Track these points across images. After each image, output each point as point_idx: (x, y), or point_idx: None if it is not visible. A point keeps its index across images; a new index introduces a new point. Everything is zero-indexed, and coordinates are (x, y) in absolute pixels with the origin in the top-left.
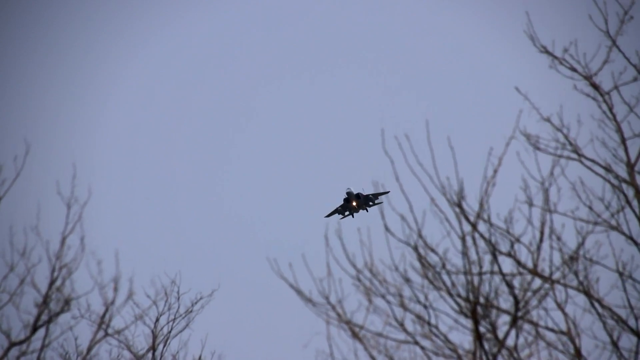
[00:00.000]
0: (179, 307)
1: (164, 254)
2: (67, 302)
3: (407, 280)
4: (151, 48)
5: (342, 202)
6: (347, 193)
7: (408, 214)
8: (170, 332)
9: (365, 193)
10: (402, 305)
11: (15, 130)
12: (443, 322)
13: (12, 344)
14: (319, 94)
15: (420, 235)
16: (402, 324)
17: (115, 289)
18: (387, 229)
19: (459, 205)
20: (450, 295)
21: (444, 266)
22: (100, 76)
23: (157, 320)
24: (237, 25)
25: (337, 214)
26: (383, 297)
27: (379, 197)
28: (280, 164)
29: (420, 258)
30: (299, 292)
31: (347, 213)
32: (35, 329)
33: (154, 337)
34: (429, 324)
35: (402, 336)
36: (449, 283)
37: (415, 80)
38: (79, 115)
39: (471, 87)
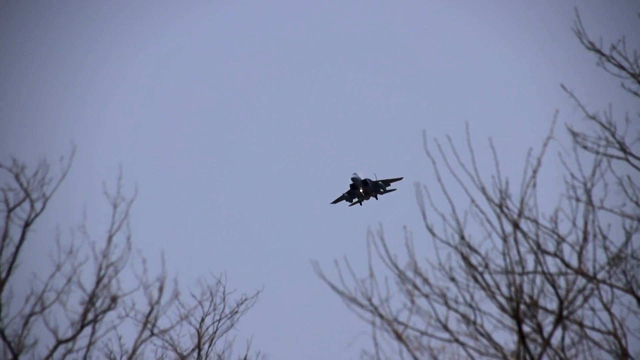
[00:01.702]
0: (224, 307)
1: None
2: (113, 301)
3: (453, 279)
4: (151, 47)
5: (348, 189)
6: (352, 179)
7: (444, 214)
8: (215, 332)
9: (375, 179)
10: (446, 305)
11: (15, 130)
12: (488, 321)
13: (59, 342)
14: (319, 94)
15: (462, 236)
16: (445, 325)
17: (161, 289)
18: (429, 229)
19: (501, 206)
20: (493, 295)
21: (486, 266)
22: (100, 76)
23: (203, 320)
24: (237, 25)
25: (344, 201)
26: (427, 297)
27: (391, 184)
28: (282, 164)
29: (464, 258)
30: (341, 293)
31: (355, 200)
32: (81, 327)
33: (200, 337)
34: (474, 323)
35: (445, 337)
36: (492, 283)
37: (416, 79)
38: (78, 115)
39: (474, 86)
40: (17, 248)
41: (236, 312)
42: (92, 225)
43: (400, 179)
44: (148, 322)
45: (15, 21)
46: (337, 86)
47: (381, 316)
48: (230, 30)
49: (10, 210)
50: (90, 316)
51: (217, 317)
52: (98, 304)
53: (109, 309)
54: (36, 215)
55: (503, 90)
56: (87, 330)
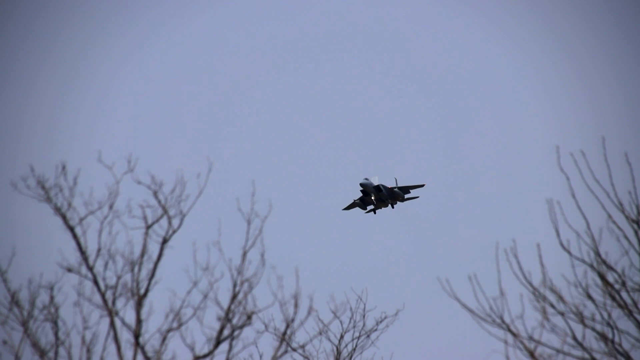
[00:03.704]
0: (364, 324)
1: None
2: (248, 317)
3: (590, 297)
4: (152, 41)
5: (360, 195)
6: (362, 184)
7: (578, 230)
8: (354, 349)
9: (391, 185)
10: (582, 323)
11: (15, 130)
12: (626, 340)
13: (196, 358)
14: (320, 93)
15: (597, 253)
16: (581, 343)
17: (296, 305)
18: (563, 247)
19: (638, 222)
20: (631, 313)
21: (623, 284)
22: (99, 75)
23: (342, 337)
24: (237, 23)
25: (357, 208)
26: (562, 314)
27: (411, 191)
28: (284, 163)
29: (600, 275)
30: (471, 311)
31: (369, 207)
32: (218, 343)
33: (338, 353)
34: (612, 341)
35: (581, 355)
36: (629, 301)
37: (418, 79)
38: (79, 114)
39: (477, 86)
40: (155, 264)
41: (376, 329)
42: (227, 242)
43: (422, 185)
44: (285, 337)
45: (15, 21)
46: (337, 85)
47: (514, 334)
48: (230, 27)
49: (148, 227)
50: (226, 332)
51: (357, 335)
52: (234, 320)
53: (244, 325)
54: (174, 232)
55: (507, 90)
56: (224, 346)
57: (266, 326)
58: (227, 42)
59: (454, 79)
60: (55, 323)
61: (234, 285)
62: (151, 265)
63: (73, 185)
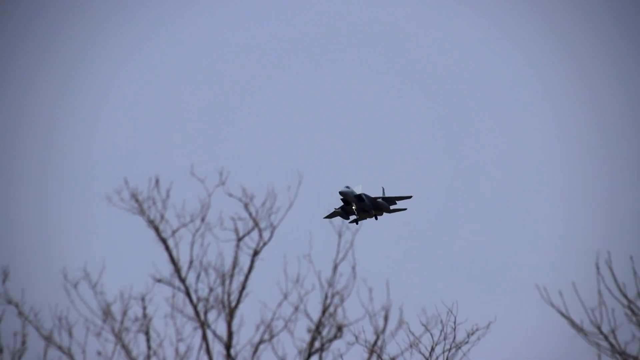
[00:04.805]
0: (454, 337)
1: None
2: (339, 330)
3: None
4: (152, 40)
5: (341, 203)
6: (341, 192)
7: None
8: None
9: (381, 195)
10: None
11: (16, 131)
12: None
13: None
14: (320, 93)
15: None
16: None
17: (386, 317)
18: None
19: None
20: None
21: None
22: (97, 75)
23: (433, 349)
24: (237, 23)
25: (339, 217)
26: None
27: (397, 202)
28: (284, 164)
29: None
30: (570, 320)
31: (352, 217)
32: (309, 355)
33: None
34: None
35: None
36: None
37: (417, 79)
38: (79, 114)
39: (476, 86)
40: (247, 276)
41: (466, 342)
42: (317, 254)
43: (410, 197)
44: (375, 350)
45: (15, 21)
46: (338, 84)
47: (611, 345)
48: (229, 26)
49: (239, 239)
50: (317, 344)
51: (448, 347)
52: (324, 332)
53: (335, 337)
54: (264, 244)
55: (508, 90)
56: (314, 358)
57: (357, 338)
58: (227, 42)
59: (454, 79)
60: (147, 334)
61: (325, 298)
62: (242, 277)
63: (166, 198)
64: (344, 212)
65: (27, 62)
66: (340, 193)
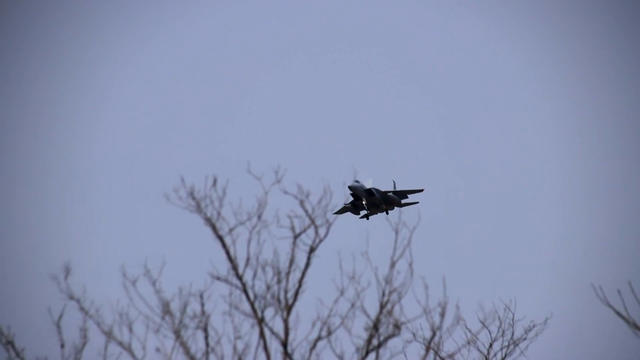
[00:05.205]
0: (513, 333)
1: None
2: (397, 327)
3: None
4: (152, 40)
5: (352, 199)
6: (351, 187)
7: None
8: (504, 358)
9: (386, 189)
10: None
11: (16, 131)
12: None
13: None
14: (320, 93)
15: None
16: None
17: (443, 314)
18: None
19: None
20: None
21: None
22: (96, 75)
23: (491, 345)
24: (237, 22)
25: (350, 212)
26: None
27: (408, 196)
28: (286, 163)
29: None
30: (626, 320)
31: (363, 212)
32: (366, 352)
33: None
34: None
35: None
36: None
37: (417, 79)
38: (79, 114)
39: (477, 86)
40: (303, 273)
41: (525, 338)
42: (374, 251)
43: (421, 190)
44: (431, 347)
45: (15, 21)
46: (338, 83)
47: None
48: (229, 29)
49: (296, 237)
50: (374, 342)
51: (506, 343)
52: (382, 329)
53: (393, 334)
54: (320, 241)
55: (508, 90)
56: (372, 355)
57: (414, 335)
58: (227, 42)
59: (454, 79)
60: (206, 331)
61: (382, 295)
62: (299, 274)
63: (222, 196)
64: (354, 207)
65: (27, 62)
66: (350, 188)
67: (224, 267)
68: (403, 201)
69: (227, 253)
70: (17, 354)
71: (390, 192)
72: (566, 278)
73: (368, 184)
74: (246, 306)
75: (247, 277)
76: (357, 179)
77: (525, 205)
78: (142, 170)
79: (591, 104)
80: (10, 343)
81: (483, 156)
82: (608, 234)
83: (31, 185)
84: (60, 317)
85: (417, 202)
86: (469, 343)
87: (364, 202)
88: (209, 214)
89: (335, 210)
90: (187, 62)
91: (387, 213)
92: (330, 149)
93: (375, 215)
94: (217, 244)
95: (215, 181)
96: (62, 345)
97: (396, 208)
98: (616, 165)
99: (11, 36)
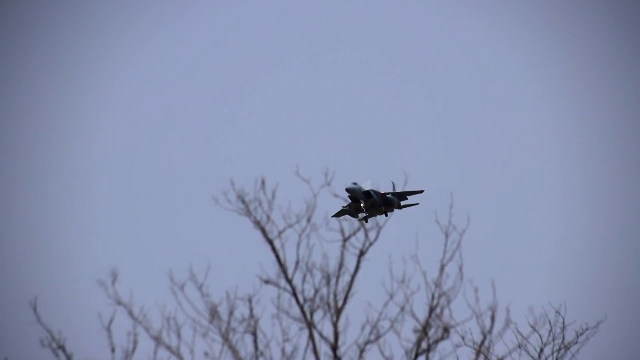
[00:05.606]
0: (564, 337)
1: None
2: (446, 330)
3: None
4: (152, 40)
5: (348, 201)
6: (348, 189)
7: None
8: None
9: (385, 191)
10: None
11: (16, 131)
12: None
13: None
14: (320, 93)
15: None
16: None
17: (493, 318)
18: None
19: None
20: None
21: None
22: (96, 75)
23: (542, 350)
24: (237, 22)
25: (348, 215)
26: None
27: (408, 197)
28: (286, 163)
29: None
30: None
31: (362, 215)
32: (415, 356)
33: None
34: None
35: None
36: None
37: (417, 79)
38: (79, 114)
39: (477, 86)
40: (353, 277)
41: (576, 342)
42: (424, 254)
43: (421, 191)
44: (481, 351)
45: (14, 21)
46: (338, 83)
47: None
48: (229, 29)
49: (345, 240)
50: (424, 345)
51: (557, 348)
52: (431, 333)
53: (442, 338)
54: (370, 244)
55: (508, 90)
56: (421, 359)
57: (463, 339)
58: (227, 42)
59: (454, 79)
60: (254, 335)
61: (432, 298)
62: (348, 278)
63: (272, 199)
64: (351, 209)
65: (27, 62)
66: (347, 190)
67: (272, 270)
68: (402, 203)
69: (277, 256)
70: (68, 358)
71: (389, 193)
72: (616, 280)
73: (366, 186)
74: (295, 310)
75: (297, 280)
76: (355, 181)
77: (524, 205)
78: (142, 170)
79: (591, 104)
80: (61, 347)
81: (483, 156)
82: (608, 234)
83: (31, 185)
84: (110, 322)
85: (417, 204)
86: (519, 347)
87: (362, 205)
88: (258, 217)
89: (333, 214)
90: (187, 62)
91: (387, 215)
92: (330, 149)
93: (378, 217)
94: (267, 247)
95: (263, 183)
96: (113, 350)
97: (395, 209)
98: (616, 165)
99: (11, 36)
